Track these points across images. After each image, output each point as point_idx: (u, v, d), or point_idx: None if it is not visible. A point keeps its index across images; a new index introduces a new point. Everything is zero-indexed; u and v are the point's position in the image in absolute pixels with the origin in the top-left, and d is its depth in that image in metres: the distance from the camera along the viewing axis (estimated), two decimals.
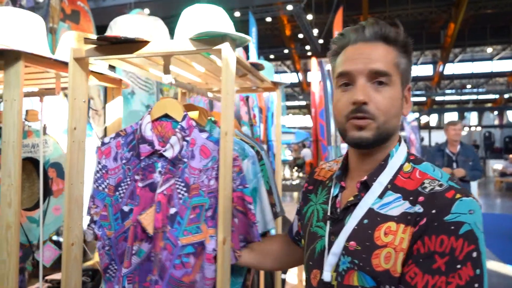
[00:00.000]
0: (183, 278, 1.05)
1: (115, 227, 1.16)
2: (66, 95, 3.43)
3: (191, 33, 1.04)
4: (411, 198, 0.74)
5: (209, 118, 1.26)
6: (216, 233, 1.03)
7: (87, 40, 1.10)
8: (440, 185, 0.73)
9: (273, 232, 1.68)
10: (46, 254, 1.54)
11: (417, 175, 0.78)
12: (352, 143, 0.81)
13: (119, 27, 1.39)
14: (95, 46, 1.12)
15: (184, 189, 1.10)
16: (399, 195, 0.76)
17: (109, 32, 1.42)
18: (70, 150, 1.16)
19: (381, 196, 0.78)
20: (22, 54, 1.16)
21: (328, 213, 0.87)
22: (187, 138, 1.12)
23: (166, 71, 1.17)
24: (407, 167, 0.81)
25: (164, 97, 1.22)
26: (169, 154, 1.11)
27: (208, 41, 1.03)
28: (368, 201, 0.78)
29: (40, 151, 1.51)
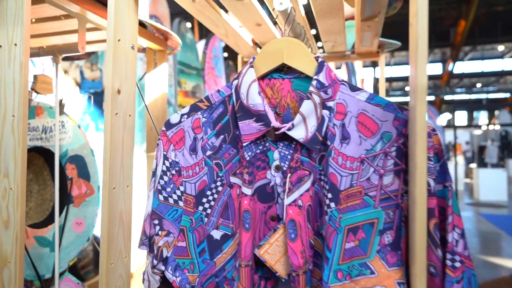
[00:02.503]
0: None
1: (200, 266, 0.67)
2: (82, 76, 2.94)
3: None
4: None
5: None
6: (404, 277, 0.54)
7: None
8: None
9: None
10: None
11: None
12: None
13: None
14: None
15: (330, 196, 0.60)
16: None
17: None
18: (111, 129, 0.67)
19: None
20: None
21: None
22: (330, 104, 0.63)
23: None
24: None
25: (274, 43, 0.69)
26: (299, 133, 0.62)
27: None
28: None
29: (55, 138, 1.02)
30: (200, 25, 7.53)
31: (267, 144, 0.66)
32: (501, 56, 22.61)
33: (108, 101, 0.67)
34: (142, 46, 1.21)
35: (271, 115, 0.65)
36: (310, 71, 0.66)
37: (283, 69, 0.69)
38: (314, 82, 0.63)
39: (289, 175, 0.65)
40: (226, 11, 1.04)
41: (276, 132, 0.64)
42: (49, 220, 1.03)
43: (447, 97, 23.72)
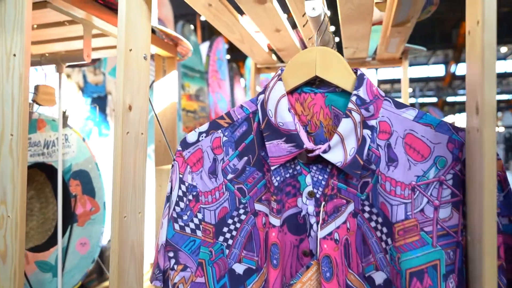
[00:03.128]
0: None
1: None
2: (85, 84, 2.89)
3: None
4: None
5: None
6: None
7: None
8: None
9: None
10: None
11: None
12: None
13: None
14: None
15: (385, 230, 0.53)
16: None
17: None
18: (122, 150, 0.59)
19: None
20: None
21: None
22: (372, 122, 0.55)
23: None
24: None
25: (306, 52, 0.60)
26: (336, 157, 0.54)
27: None
28: None
29: (58, 153, 0.94)
30: (203, 27, 7.46)
31: (298, 168, 0.59)
32: (504, 57, 22.55)
33: (118, 119, 0.60)
34: (151, 53, 1.13)
35: (303, 135, 0.57)
36: (347, 85, 0.58)
37: (314, 82, 0.61)
38: (353, 98, 0.56)
39: (323, 203, 0.57)
40: (241, 14, 0.96)
41: (310, 155, 0.56)
42: (51, 242, 0.95)
43: (450, 99, 23.64)
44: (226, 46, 5.83)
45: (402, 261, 0.51)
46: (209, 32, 7.89)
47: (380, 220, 0.55)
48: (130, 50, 0.61)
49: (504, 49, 21.29)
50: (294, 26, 1.05)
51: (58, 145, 0.94)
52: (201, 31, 6.53)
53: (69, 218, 0.98)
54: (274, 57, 1.28)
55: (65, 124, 0.97)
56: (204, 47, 5.12)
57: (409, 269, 0.51)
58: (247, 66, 5.50)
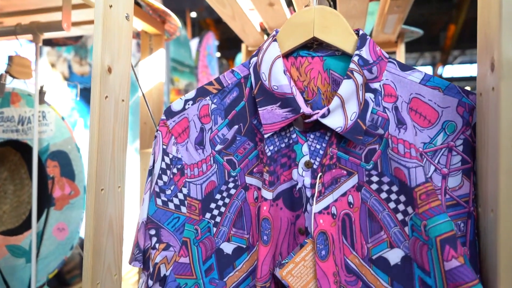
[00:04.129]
0: None
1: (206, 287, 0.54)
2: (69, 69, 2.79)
3: None
4: None
5: None
6: None
7: None
8: None
9: None
10: None
11: None
12: None
13: None
14: None
15: (403, 198, 0.49)
16: None
17: None
18: (99, 117, 0.54)
19: None
20: None
21: None
22: (375, 85, 0.50)
23: None
24: None
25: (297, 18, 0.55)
26: (336, 121, 0.50)
27: None
28: None
29: (33, 130, 0.87)
30: (193, 24, 7.37)
31: (294, 136, 0.54)
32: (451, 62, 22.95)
33: (95, 82, 0.54)
34: (136, 29, 1.07)
35: (300, 99, 0.52)
36: (348, 47, 0.53)
37: (312, 45, 0.57)
38: (355, 58, 0.51)
39: (320, 174, 0.52)
40: None
41: (307, 121, 0.51)
42: (26, 225, 0.89)
43: None
44: (217, 42, 5.76)
45: (429, 228, 0.45)
46: (198, 28, 7.81)
47: (394, 188, 0.49)
48: (110, 6, 0.55)
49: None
50: (289, 4, 1.00)
51: (34, 122, 0.87)
52: (191, 27, 6.45)
53: (46, 201, 0.91)
54: (266, 37, 1.23)
55: (42, 100, 0.91)
56: (194, 42, 5.05)
57: (439, 236, 0.44)
58: (237, 64, 5.45)
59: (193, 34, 6.69)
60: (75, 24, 1.01)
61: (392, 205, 0.49)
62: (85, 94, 2.81)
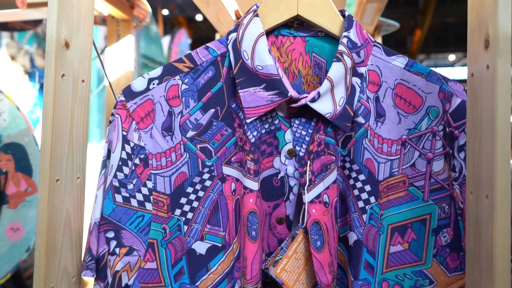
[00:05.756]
0: None
1: None
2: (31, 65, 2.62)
3: None
4: None
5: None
6: None
7: None
8: None
9: None
10: None
11: None
12: None
13: None
14: None
15: (368, 188, 0.45)
16: None
17: None
18: (54, 97, 0.47)
19: None
20: None
21: None
22: (361, 70, 0.48)
23: None
24: None
25: None
26: (325, 107, 0.47)
27: None
28: None
29: None
30: (165, 22, 7.21)
31: (276, 122, 0.50)
32: (452, 64, 24.14)
33: (50, 58, 0.47)
34: (102, 13, 1.00)
35: (286, 81, 0.48)
36: (333, 28, 0.50)
37: (292, 25, 0.53)
38: (344, 40, 0.48)
39: (308, 162, 0.48)
40: None
41: (293, 105, 0.48)
42: None
43: None
44: (189, 40, 5.66)
45: (384, 217, 0.48)
46: (170, 26, 7.66)
47: (361, 177, 0.49)
48: None
49: (452, 57, 22.74)
50: None
51: None
52: (163, 25, 6.30)
53: None
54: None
55: None
56: (165, 40, 4.94)
57: (391, 224, 0.48)
58: None
59: (165, 32, 6.54)
60: (33, 5, 0.92)
61: (356, 192, 0.49)
62: None
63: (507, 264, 0.38)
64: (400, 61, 0.50)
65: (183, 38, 5.21)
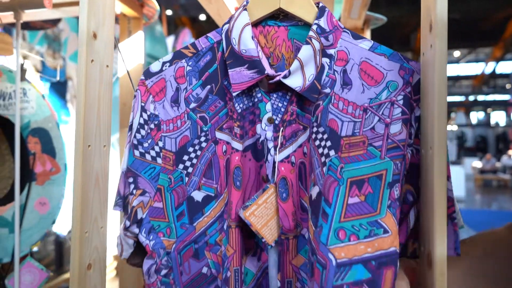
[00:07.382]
0: None
1: (178, 231, 0.60)
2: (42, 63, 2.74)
3: None
4: None
5: None
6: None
7: None
8: None
9: None
10: (26, 278, 0.92)
11: None
12: None
13: None
14: None
15: (329, 143, 0.55)
16: None
17: None
18: (85, 79, 0.58)
19: None
20: None
21: None
22: (330, 51, 0.58)
23: None
24: None
25: None
26: (296, 81, 0.57)
27: None
28: None
29: (15, 107, 0.90)
30: (169, 22, 7.33)
31: (259, 95, 0.60)
32: (457, 61, 23.94)
33: (82, 47, 0.58)
34: (116, 12, 1.11)
35: (265, 62, 0.59)
36: (310, 18, 0.60)
37: (278, 16, 0.63)
38: (314, 27, 0.58)
39: (281, 128, 0.59)
40: None
41: (270, 81, 0.58)
42: (8, 198, 0.91)
43: None
44: (193, 40, 5.76)
45: (345, 171, 0.54)
46: (174, 26, 7.77)
47: (325, 136, 0.57)
48: None
49: (457, 53, 22.61)
50: None
51: (15, 98, 0.90)
52: (167, 25, 6.41)
53: (27, 176, 0.94)
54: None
55: (23, 78, 0.93)
56: (170, 40, 5.04)
57: (351, 178, 0.54)
58: None
59: (169, 32, 6.66)
60: (56, 5, 1.04)
61: (320, 150, 0.57)
62: (57, 88, 2.78)
63: (443, 193, 0.48)
64: (365, 44, 0.59)
65: (187, 37, 5.31)
